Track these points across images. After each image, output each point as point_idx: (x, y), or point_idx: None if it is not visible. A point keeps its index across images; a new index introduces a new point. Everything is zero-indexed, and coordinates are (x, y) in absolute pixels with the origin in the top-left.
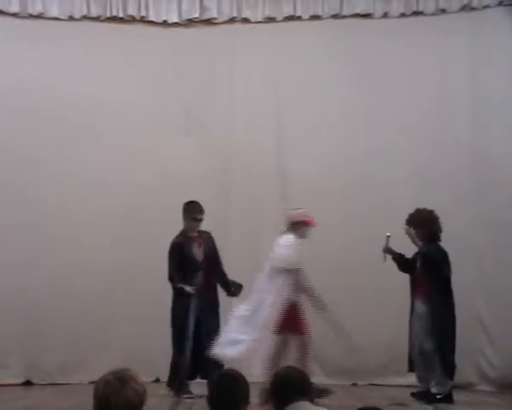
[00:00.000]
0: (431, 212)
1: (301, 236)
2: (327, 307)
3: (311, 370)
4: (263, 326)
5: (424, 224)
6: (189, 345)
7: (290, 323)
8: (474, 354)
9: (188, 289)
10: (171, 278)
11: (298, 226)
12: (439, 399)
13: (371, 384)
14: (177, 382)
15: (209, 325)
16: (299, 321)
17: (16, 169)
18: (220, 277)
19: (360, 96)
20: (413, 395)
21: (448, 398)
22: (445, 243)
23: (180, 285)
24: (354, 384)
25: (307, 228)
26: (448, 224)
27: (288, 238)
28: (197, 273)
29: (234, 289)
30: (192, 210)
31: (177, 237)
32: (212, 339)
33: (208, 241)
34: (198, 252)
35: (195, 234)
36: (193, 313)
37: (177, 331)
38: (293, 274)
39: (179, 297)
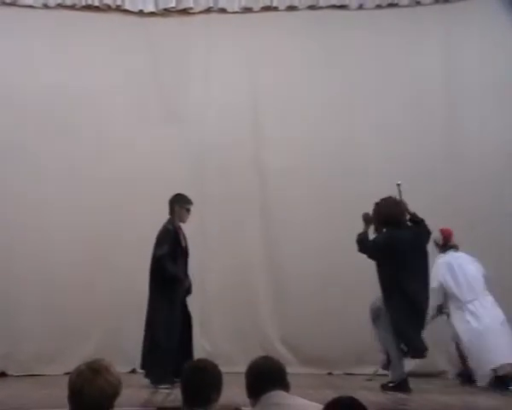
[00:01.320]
0: (385, 199)
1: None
2: None
3: None
4: None
5: (375, 213)
6: (177, 335)
7: None
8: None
9: (181, 276)
10: (163, 260)
11: None
12: (392, 387)
13: (347, 374)
14: (160, 372)
15: (189, 315)
16: None
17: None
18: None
19: (336, 87)
20: (383, 387)
21: (402, 386)
22: None
23: (175, 272)
24: (330, 374)
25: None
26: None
27: None
28: (183, 262)
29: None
30: (184, 200)
31: (169, 224)
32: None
33: (184, 233)
34: (183, 241)
35: (179, 225)
36: (180, 303)
37: (170, 321)
38: None
39: (168, 285)
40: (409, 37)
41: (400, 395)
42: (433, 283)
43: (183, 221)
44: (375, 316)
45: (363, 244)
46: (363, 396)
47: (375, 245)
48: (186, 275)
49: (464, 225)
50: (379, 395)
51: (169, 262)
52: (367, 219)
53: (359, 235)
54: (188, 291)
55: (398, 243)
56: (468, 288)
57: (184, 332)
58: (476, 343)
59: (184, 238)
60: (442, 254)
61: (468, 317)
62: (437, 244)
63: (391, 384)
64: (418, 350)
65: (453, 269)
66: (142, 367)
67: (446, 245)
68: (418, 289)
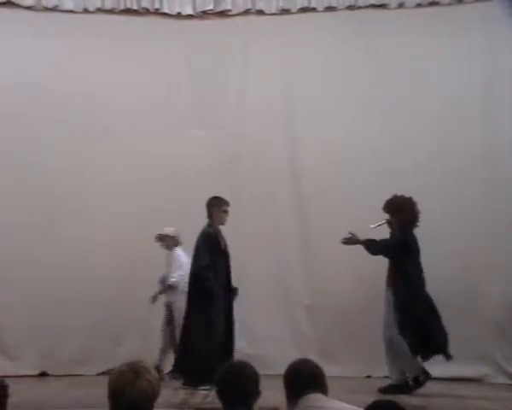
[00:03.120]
0: (408, 199)
1: None
2: None
3: None
4: None
5: (400, 211)
6: (215, 336)
7: None
8: (489, 348)
9: (215, 296)
10: (206, 270)
11: None
12: (411, 386)
13: (386, 377)
14: (199, 373)
15: (231, 317)
16: None
17: (24, 161)
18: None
19: (375, 88)
20: (382, 390)
21: (420, 379)
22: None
23: (211, 292)
24: (368, 377)
25: None
26: (457, 219)
27: None
28: (222, 264)
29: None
30: (221, 202)
31: (209, 228)
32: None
33: (223, 235)
34: (223, 243)
35: (218, 228)
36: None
37: (208, 322)
38: None
39: (208, 296)
40: (450, 35)
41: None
42: None
43: (222, 223)
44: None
45: (380, 244)
46: (403, 400)
47: (403, 243)
48: (228, 280)
49: (499, 228)
50: (420, 399)
51: (208, 277)
52: (349, 240)
53: (366, 244)
54: (234, 293)
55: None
56: None
57: (226, 333)
58: None
59: (223, 240)
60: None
61: None
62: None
63: (411, 383)
64: (441, 346)
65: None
66: (175, 370)
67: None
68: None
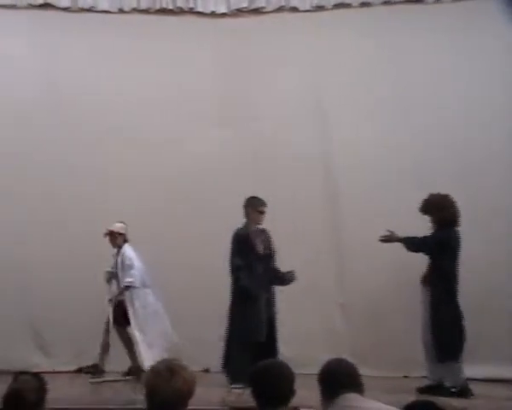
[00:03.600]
0: (446, 196)
1: None
2: None
3: None
4: None
5: (438, 209)
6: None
7: None
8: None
9: (254, 291)
10: (238, 271)
11: None
12: (454, 393)
13: (424, 377)
14: (234, 371)
15: (272, 318)
16: None
17: (52, 158)
18: (273, 272)
19: (412, 85)
20: (422, 390)
21: (464, 392)
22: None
23: (246, 284)
24: (406, 377)
25: None
26: (479, 215)
27: None
28: (259, 266)
29: (289, 275)
30: (257, 203)
31: (241, 229)
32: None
33: (267, 236)
34: (260, 245)
35: (257, 228)
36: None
37: (248, 320)
38: None
39: (245, 295)
40: (493, 28)
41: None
42: None
43: (258, 223)
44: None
45: (419, 241)
46: (442, 401)
47: (441, 241)
48: (267, 281)
49: None
50: (460, 400)
51: (239, 277)
52: (388, 239)
53: (405, 242)
54: (289, 280)
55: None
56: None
57: (268, 335)
58: None
59: (264, 241)
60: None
61: None
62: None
63: (453, 390)
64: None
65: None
66: (222, 366)
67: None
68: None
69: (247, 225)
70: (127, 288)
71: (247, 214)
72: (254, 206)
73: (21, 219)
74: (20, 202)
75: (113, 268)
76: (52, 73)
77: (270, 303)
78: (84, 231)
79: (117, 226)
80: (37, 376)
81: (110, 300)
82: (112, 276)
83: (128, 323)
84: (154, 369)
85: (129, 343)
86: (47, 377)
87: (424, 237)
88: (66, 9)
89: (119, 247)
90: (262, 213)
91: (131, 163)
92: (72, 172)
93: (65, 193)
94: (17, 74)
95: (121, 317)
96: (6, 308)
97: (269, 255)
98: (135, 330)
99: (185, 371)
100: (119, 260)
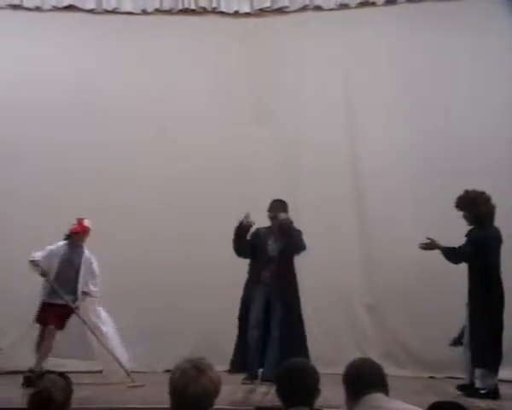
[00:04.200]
0: (480, 194)
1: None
2: None
3: None
4: None
5: (473, 204)
6: (253, 332)
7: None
8: None
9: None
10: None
11: None
12: (483, 394)
13: (450, 377)
14: (235, 363)
15: (278, 317)
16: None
17: (80, 157)
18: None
19: (436, 83)
20: (459, 388)
21: (493, 393)
22: None
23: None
24: (432, 377)
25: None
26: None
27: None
28: (268, 266)
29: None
30: (268, 208)
31: (259, 228)
32: (282, 331)
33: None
34: (273, 247)
35: (275, 229)
36: (259, 301)
37: (241, 316)
38: None
39: (248, 283)
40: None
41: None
42: None
43: (273, 228)
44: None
45: (459, 251)
46: (468, 402)
47: (488, 243)
48: (268, 276)
49: None
50: (486, 401)
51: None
52: (428, 246)
53: (445, 252)
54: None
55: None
56: None
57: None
58: None
59: (273, 244)
60: None
61: None
62: None
63: (482, 391)
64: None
65: None
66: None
67: None
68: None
69: (269, 226)
70: (89, 296)
71: None
72: (268, 210)
73: (35, 218)
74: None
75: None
76: (78, 74)
77: (285, 305)
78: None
79: (88, 223)
80: (63, 375)
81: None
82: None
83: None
84: (180, 368)
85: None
86: (72, 377)
87: (460, 247)
88: (90, 11)
89: (79, 246)
90: (272, 218)
91: (157, 164)
92: (99, 174)
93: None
94: (43, 77)
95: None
96: (12, 306)
97: (285, 256)
98: (107, 335)
99: (211, 370)
100: (82, 261)
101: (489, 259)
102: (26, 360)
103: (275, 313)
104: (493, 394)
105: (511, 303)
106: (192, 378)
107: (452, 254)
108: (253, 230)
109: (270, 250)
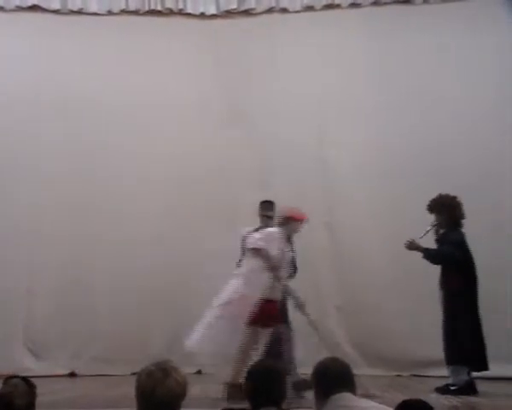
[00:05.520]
0: (453, 197)
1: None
2: (304, 304)
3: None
4: (220, 305)
5: (448, 208)
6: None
7: (262, 317)
8: None
9: None
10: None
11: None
12: (453, 390)
13: (416, 375)
14: None
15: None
16: (271, 316)
17: (53, 162)
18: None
19: (402, 84)
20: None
21: (466, 390)
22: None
23: None
24: (399, 375)
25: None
26: (484, 215)
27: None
28: None
29: None
30: (261, 207)
31: (252, 229)
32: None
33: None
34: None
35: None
36: None
37: None
38: (265, 261)
39: None
40: (476, 31)
41: (465, 398)
42: None
43: (266, 226)
44: None
45: (438, 253)
46: (433, 399)
47: (458, 245)
48: None
49: None
50: (451, 398)
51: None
52: (412, 246)
53: (426, 253)
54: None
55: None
56: None
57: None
58: None
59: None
60: None
61: None
62: None
63: (452, 388)
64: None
65: None
66: None
67: None
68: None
69: (257, 228)
70: None
71: (259, 217)
72: (260, 210)
73: (22, 225)
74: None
75: None
76: (42, 75)
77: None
78: (87, 234)
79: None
80: (26, 380)
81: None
82: None
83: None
84: (146, 371)
85: None
86: (39, 381)
87: (443, 249)
88: (55, 12)
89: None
90: (266, 217)
91: (135, 166)
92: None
93: (56, 194)
94: (6, 78)
95: None
96: None
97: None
98: None
99: (177, 373)
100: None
101: (469, 260)
102: None
103: None
104: (466, 390)
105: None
106: (158, 380)
107: (435, 256)
108: (243, 233)
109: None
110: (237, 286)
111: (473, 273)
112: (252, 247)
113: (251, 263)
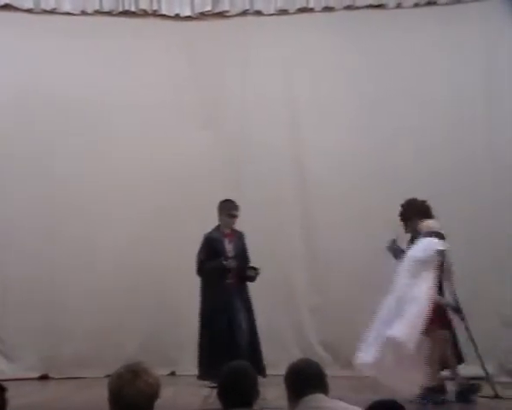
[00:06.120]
0: (424, 202)
1: None
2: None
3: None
4: (410, 326)
5: (423, 214)
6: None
7: (437, 321)
8: (493, 347)
9: (226, 263)
10: (201, 268)
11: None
12: (425, 391)
13: None
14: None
15: (242, 323)
16: (443, 318)
17: (27, 163)
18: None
19: (374, 88)
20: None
21: (437, 390)
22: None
23: (213, 265)
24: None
25: None
26: (462, 216)
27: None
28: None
29: (252, 273)
30: (228, 207)
31: (211, 232)
32: (246, 336)
33: (240, 239)
34: (229, 248)
35: (229, 231)
36: (225, 310)
37: (208, 325)
38: (440, 270)
39: (210, 291)
40: (448, 35)
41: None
42: None
43: (228, 227)
44: None
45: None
46: (404, 399)
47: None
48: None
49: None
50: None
51: (203, 267)
52: (390, 250)
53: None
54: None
55: None
56: None
57: (229, 334)
58: None
59: (232, 243)
60: None
61: None
62: None
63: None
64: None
65: None
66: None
67: None
68: None
69: (218, 228)
70: None
71: (219, 217)
72: (225, 209)
73: None
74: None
75: None
76: (14, 74)
77: (246, 308)
78: (61, 234)
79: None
80: None
81: None
82: None
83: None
84: (116, 373)
85: None
86: (10, 384)
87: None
88: (28, 11)
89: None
90: (233, 216)
91: (107, 167)
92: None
93: (31, 195)
94: None
95: None
96: None
97: (240, 258)
98: None
99: (148, 374)
100: None
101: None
102: None
103: (239, 314)
104: (437, 390)
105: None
106: (127, 382)
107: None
108: (209, 235)
109: (228, 252)
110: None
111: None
112: (434, 259)
113: (424, 276)
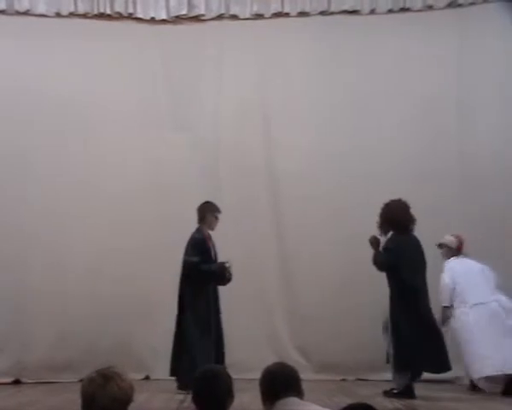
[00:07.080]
0: (400, 200)
1: None
2: None
3: None
4: None
5: (405, 214)
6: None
7: None
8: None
9: (226, 265)
10: (194, 271)
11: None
12: (395, 394)
13: (361, 380)
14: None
15: (220, 324)
16: None
17: (3, 169)
18: None
19: (347, 93)
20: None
21: (406, 393)
22: (432, 240)
23: (211, 269)
24: (344, 380)
25: None
26: (435, 221)
27: None
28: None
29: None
30: (214, 208)
31: (198, 233)
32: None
33: (213, 242)
34: (212, 250)
35: (209, 232)
36: (216, 313)
37: (203, 329)
38: None
39: (204, 295)
40: (421, 41)
41: (408, 402)
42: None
43: (213, 229)
44: (386, 327)
45: (381, 263)
46: (378, 403)
47: (390, 254)
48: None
49: (476, 225)
50: (394, 402)
51: (200, 266)
52: (373, 242)
53: (373, 258)
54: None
55: (405, 249)
56: (473, 292)
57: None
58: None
59: (213, 247)
60: (453, 258)
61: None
62: (450, 248)
63: (395, 391)
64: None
65: (462, 273)
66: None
67: (459, 251)
68: (426, 301)
69: (201, 230)
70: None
71: (203, 218)
72: (212, 211)
73: None
74: None
75: None
76: None
77: (217, 308)
78: (31, 236)
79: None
80: None
81: None
82: None
83: None
84: (88, 377)
85: None
86: None
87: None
88: (1, 12)
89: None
90: (217, 219)
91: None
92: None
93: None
94: None
95: None
96: None
97: (216, 260)
98: None
99: (120, 378)
100: None
101: (404, 264)
102: None
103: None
104: (407, 393)
105: None
106: (99, 387)
107: (374, 262)
108: (198, 237)
109: (213, 254)
110: None
111: (410, 277)
112: None
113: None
